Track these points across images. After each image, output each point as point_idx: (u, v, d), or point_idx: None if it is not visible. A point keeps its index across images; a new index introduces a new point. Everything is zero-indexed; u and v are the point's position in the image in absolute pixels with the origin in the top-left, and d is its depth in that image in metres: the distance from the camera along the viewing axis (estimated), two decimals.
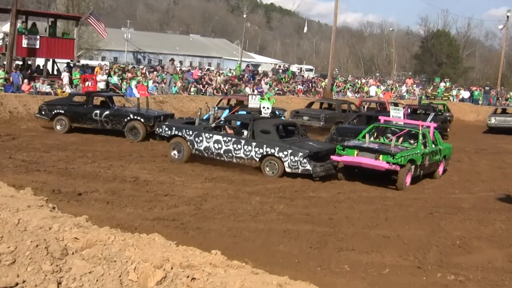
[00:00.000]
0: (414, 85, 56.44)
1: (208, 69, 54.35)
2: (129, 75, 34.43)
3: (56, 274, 6.12)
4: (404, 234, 11.27)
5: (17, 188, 9.95)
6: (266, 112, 18.31)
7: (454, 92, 49.21)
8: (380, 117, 19.46)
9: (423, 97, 45.82)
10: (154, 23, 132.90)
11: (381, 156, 15.75)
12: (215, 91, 36.18)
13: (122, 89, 29.68)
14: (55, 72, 32.11)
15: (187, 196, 13.15)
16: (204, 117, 20.26)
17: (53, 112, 21.99)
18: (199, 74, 40.92)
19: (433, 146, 17.46)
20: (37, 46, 29.64)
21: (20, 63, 30.68)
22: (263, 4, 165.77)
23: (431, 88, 52.43)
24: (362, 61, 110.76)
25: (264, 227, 11.16)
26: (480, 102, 46.93)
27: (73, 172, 14.71)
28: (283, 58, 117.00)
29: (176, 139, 17.74)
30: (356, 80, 57.22)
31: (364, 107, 32.67)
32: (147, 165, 16.68)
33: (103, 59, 74.59)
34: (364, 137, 17.15)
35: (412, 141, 17.25)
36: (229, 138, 17.04)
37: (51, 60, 32.14)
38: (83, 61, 43.85)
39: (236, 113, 19.54)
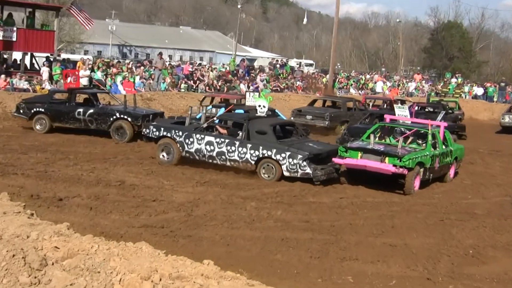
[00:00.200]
0: (423, 81, 56.47)
1: (199, 64, 54.29)
2: (114, 70, 34.38)
3: (34, 287, 6.12)
4: (412, 243, 11.28)
5: None
6: (262, 111, 18.29)
7: (466, 89, 49.23)
8: (385, 116, 19.45)
9: (433, 94, 45.90)
10: (141, 14, 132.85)
11: (387, 158, 15.68)
12: (207, 87, 36.17)
13: (107, 86, 29.65)
14: (34, 67, 32.06)
15: (177, 202, 13.15)
16: (197, 116, 20.20)
17: (32, 111, 21.93)
18: (190, 69, 40.89)
19: (444, 147, 17.44)
20: (14, 39, 29.60)
21: None
22: None
23: (441, 84, 52.43)
24: (366, 55, 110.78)
25: (260, 235, 11.16)
26: (494, 100, 46.96)
27: (53, 176, 14.69)
28: (280, 52, 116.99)
29: (164, 139, 17.71)
30: (360, 76, 57.22)
31: (368, 104, 32.66)
32: (134, 167, 16.66)
33: (86, 53, 74.49)
34: (368, 137, 17.08)
35: (420, 142, 17.24)
36: (222, 140, 16.99)
37: (29, 54, 32.09)
38: (64, 55, 43.84)
39: (231, 111, 19.53)
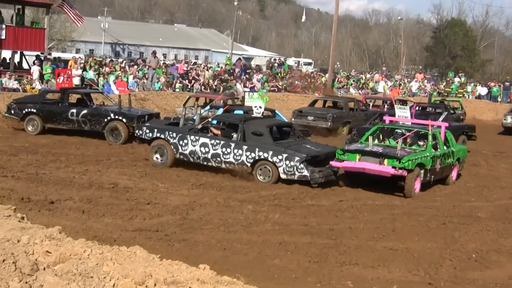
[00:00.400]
0: (425, 81, 56.50)
1: (195, 63, 54.41)
2: (107, 69, 34.41)
3: None
4: (413, 247, 11.31)
5: None
6: (258, 112, 18.30)
7: (469, 88, 49.27)
8: (385, 117, 19.49)
9: (435, 93, 45.92)
10: (134, 11, 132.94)
11: (386, 160, 15.67)
12: (202, 87, 36.18)
13: (99, 85, 29.63)
14: (24, 66, 32.04)
15: (172, 205, 13.16)
16: (194, 117, 20.20)
17: (24, 111, 21.90)
18: (185, 69, 40.91)
19: (445, 148, 17.47)
20: (3, 37, 29.60)
21: None
22: None
23: (444, 84, 52.50)
24: (366, 54, 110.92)
25: (257, 238, 11.18)
26: (499, 99, 46.93)
27: (44, 178, 14.70)
28: (278, 50, 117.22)
29: (158, 141, 17.72)
30: (360, 75, 57.26)
31: (369, 104, 32.70)
32: (127, 170, 16.68)
33: (78, 51, 74.55)
34: (367, 139, 17.09)
35: (421, 143, 17.26)
36: (217, 141, 16.98)
37: (18, 52, 32.06)
38: (55, 54, 43.78)
39: (228, 112, 19.54)
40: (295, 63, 76.51)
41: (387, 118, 19.07)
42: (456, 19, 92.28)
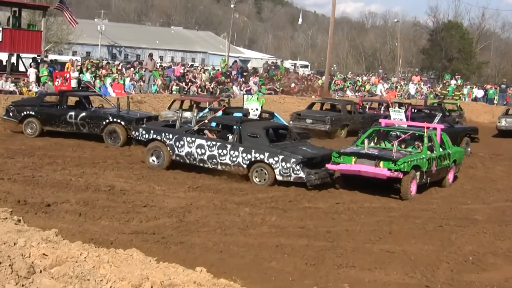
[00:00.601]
0: (422, 83, 56.56)
1: (191, 65, 54.35)
2: (103, 71, 34.37)
3: None
4: (410, 249, 11.31)
5: None
6: (255, 114, 18.31)
7: (465, 91, 49.33)
8: (380, 120, 19.48)
9: (431, 96, 45.99)
10: (131, 14, 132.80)
11: (381, 162, 15.69)
12: (199, 89, 36.16)
13: (96, 88, 29.62)
14: (20, 69, 32.01)
15: (169, 207, 13.16)
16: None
17: (22, 114, 21.88)
18: (182, 71, 40.91)
19: (441, 150, 17.48)
20: None
21: None
22: None
23: (441, 86, 52.58)
24: (363, 56, 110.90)
25: (254, 241, 11.18)
26: (495, 102, 47.04)
27: (40, 181, 14.69)
28: (275, 52, 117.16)
29: (154, 143, 17.72)
30: (357, 77, 57.32)
31: (366, 107, 32.76)
32: (124, 172, 16.67)
33: (74, 54, 74.46)
34: (363, 142, 17.10)
35: (418, 145, 17.27)
36: (214, 143, 17.00)
37: (15, 54, 32.06)
38: (51, 56, 43.75)
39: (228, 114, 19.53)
40: (292, 65, 76.49)
41: (382, 121, 19.10)
42: (452, 22, 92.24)
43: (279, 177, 16.07)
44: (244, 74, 43.61)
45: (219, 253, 10.39)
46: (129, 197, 13.83)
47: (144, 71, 35.08)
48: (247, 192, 15.27)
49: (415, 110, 28.55)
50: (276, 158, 16.06)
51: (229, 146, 16.75)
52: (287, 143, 17.41)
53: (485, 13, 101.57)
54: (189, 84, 36.85)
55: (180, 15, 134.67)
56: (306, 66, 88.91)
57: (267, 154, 16.21)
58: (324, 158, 16.67)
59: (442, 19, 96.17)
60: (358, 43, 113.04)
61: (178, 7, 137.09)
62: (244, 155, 16.49)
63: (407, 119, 18.75)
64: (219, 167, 16.89)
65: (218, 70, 44.88)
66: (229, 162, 16.68)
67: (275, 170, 16.06)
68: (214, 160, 16.88)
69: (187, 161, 17.29)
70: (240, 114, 19.50)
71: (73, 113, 21.61)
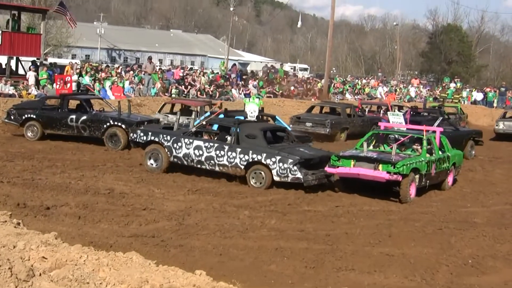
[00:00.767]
0: (421, 86, 56.58)
1: (191, 68, 54.34)
2: (103, 75, 34.38)
3: None
4: (410, 252, 11.32)
5: None
6: (252, 116, 18.32)
7: (464, 94, 49.33)
8: (380, 123, 19.47)
9: (430, 99, 46.00)
10: (130, 17, 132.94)
11: (380, 165, 15.69)
12: (198, 93, 36.17)
13: (95, 91, 29.63)
14: (20, 72, 32.02)
15: (168, 210, 13.16)
16: (195, 123, 20.16)
17: (24, 117, 21.88)
18: (181, 74, 40.89)
19: (440, 153, 17.49)
20: None
21: None
22: None
23: (440, 89, 52.59)
24: (362, 59, 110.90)
25: (254, 244, 11.18)
26: (494, 105, 47.06)
27: (40, 184, 14.68)
28: (274, 56, 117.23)
29: (152, 146, 17.73)
30: (356, 80, 57.33)
31: (365, 110, 32.75)
32: (123, 175, 16.67)
33: (74, 57, 74.44)
34: (362, 146, 17.10)
35: (417, 148, 17.27)
36: (211, 144, 17.02)
37: (14, 58, 32.04)
38: (50, 59, 43.73)
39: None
40: (291, 68, 76.59)
41: (382, 124, 19.10)
42: (451, 25, 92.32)
43: (276, 178, 16.08)
44: (244, 77, 43.62)
45: (219, 256, 10.39)
46: (128, 200, 13.83)
47: (144, 74, 35.07)
48: (247, 195, 15.29)
49: (413, 113, 28.53)
50: (273, 159, 16.08)
51: (226, 147, 16.77)
52: (284, 144, 17.43)
53: (484, 16, 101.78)
54: (188, 87, 36.84)
55: (179, 18, 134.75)
56: (305, 69, 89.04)
57: (264, 155, 16.24)
58: (321, 159, 16.74)
59: (442, 22, 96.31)
60: (357, 46, 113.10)
61: (178, 10, 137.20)
62: (241, 156, 16.51)
63: (406, 123, 18.75)
64: (217, 168, 16.91)
65: (218, 73, 44.87)
66: (227, 163, 16.69)
67: (272, 171, 16.07)
68: (212, 161, 16.90)
69: (185, 162, 17.31)
70: (241, 117, 19.51)
71: (74, 117, 21.58)
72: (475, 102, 47.98)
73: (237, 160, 16.55)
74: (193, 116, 19.29)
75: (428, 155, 16.75)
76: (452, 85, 52.00)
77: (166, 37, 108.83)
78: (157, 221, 12.25)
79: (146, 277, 6.33)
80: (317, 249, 11.16)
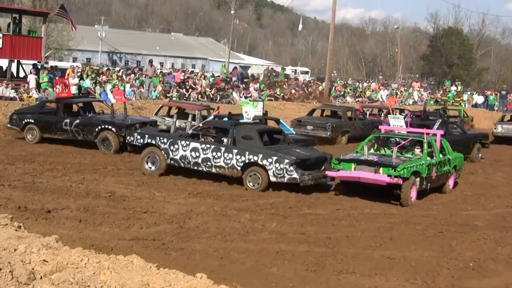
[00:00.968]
0: (422, 89, 56.59)
1: (192, 72, 54.44)
2: (104, 78, 34.43)
3: None
4: (411, 255, 11.31)
5: None
6: (248, 117, 18.33)
7: (465, 97, 49.33)
8: (380, 127, 19.47)
9: (431, 102, 46.01)
10: (131, 20, 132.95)
11: (381, 169, 15.69)
12: (199, 96, 36.21)
13: (96, 94, 29.66)
14: (21, 75, 32.05)
15: (169, 213, 13.16)
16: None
17: (23, 122, 21.94)
18: (182, 77, 40.96)
19: (441, 156, 17.48)
20: (0, 46, 29.60)
21: None
22: None
23: (441, 92, 52.60)
24: (363, 62, 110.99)
25: (254, 247, 11.18)
26: (495, 108, 47.02)
27: (41, 187, 14.69)
28: (275, 59, 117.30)
29: (149, 148, 17.73)
30: (357, 83, 57.36)
31: (366, 113, 32.76)
32: (124, 178, 16.68)
33: (75, 60, 74.44)
34: (362, 149, 17.09)
35: (418, 151, 17.26)
36: (208, 146, 17.05)
37: (15, 61, 32.08)
38: (51, 63, 43.80)
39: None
40: (292, 71, 76.60)
41: (382, 127, 19.11)
42: (452, 28, 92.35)
43: (273, 178, 16.12)
44: (245, 80, 43.66)
45: (220, 259, 10.38)
46: (129, 203, 13.83)
47: (144, 77, 35.13)
48: (247, 198, 15.29)
49: (414, 116, 28.51)
50: (270, 160, 16.13)
51: (223, 149, 16.80)
52: (281, 146, 17.47)
53: (485, 19, 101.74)
54: (190, 90, 36.88)
55: (180, 22, 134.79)
56: (306, 73, 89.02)
57: (261, 155, 16.28)
58: (318, 160, 16.84)
59: (442, 25, 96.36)
60: (358, 49, 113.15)
61: (178, 13, 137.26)
62: (238, 157, 16.54)
63: (406, 126, 18.74)
64: (213, 170, 16.93)
65: (219, 76, 44.90)
66: (223, 165, 16.72)
67: (268, 172, 16.11)
68: (209, 163, 16.92)
69: (182, 164, 17.32)
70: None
71: (68, 121, 21.49)
72: (476, 105, 47.95)
73: (234, 161, 16.58)
74: (189, 119, 19.31)
75: (429, 158, 16.75)
76: (453, 88, 52.03)
77: (167, 40, 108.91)
78: (158, 224, 12.25)
79: (147, 280, 6.33)
80: (318, 252, 11.15)
